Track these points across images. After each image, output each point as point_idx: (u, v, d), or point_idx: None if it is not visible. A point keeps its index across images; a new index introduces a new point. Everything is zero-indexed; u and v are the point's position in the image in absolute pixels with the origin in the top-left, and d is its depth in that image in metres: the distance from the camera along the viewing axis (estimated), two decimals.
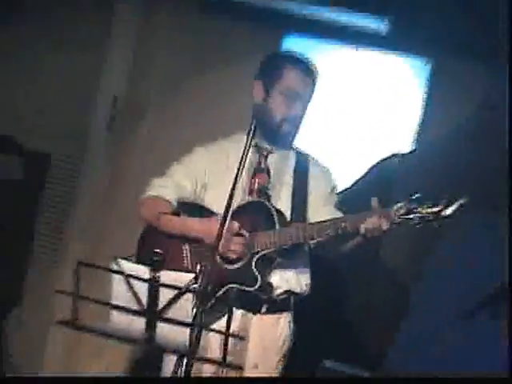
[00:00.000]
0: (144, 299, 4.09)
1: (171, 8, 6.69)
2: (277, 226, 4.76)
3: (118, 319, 4.21)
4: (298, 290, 4.94)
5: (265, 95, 4.91)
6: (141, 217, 5.03)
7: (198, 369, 4.72)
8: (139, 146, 6.73)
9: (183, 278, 4.15)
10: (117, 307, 4.17)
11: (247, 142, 4.55)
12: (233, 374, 4.82)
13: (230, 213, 4.43)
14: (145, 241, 4.95)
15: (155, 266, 4.10)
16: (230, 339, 4.49)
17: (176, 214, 4.95)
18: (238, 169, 4.49)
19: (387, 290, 5.94)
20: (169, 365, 4.70)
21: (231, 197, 4.41)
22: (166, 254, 4.47)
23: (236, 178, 4.47)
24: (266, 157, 4.99)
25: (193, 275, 4.22)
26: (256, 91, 4.95)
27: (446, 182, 5.70)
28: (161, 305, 4.08)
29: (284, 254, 4.81)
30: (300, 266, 4.97)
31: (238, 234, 4.78)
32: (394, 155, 6.14)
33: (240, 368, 4.63)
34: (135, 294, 4.10)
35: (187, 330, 4.07)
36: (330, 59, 6.38)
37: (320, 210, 4.96)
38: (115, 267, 4.15)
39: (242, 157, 4.52)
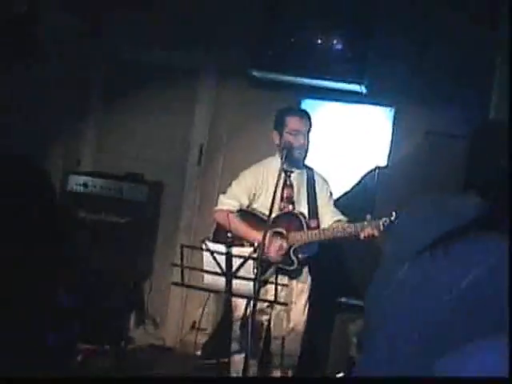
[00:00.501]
0: (223, 265, 4.41)
1: (232, 84, 6.73)
2: (305, 228, 5.02)
3: (208, 279, 4.57)
4: (311, 255, 5.20)
5: (280, 138, 5.10)
6: (216, 221, 5.20)
7: (260, 306, 4.94)
8: (217, 174, 6.77)
9: (246, 251, 4.50)
10: (207, 271, 4.53)
11: (281, 166, 4.90)
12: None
13: (272, 217, 4.78)
14: (217, 229, 5.14)
15: (228, 244, 4.45)
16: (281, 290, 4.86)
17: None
18: (276, 186, 4.82)
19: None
20: (240, 307, 4.97)
21: (272, 206, 4.75)
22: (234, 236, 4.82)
23: (274, 193, 4.82)
24: (290, 176, 5.14)
25: (252, 248, 4.57)
26: (274, 137, 5.14)
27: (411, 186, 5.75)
28: (234, 268, 4.41)
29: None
30: (313, 246, 5.21)
31: (279, 234, 5.05)
32: (377, 167, 6.06)
33: (286, 304, 4.97)
34: (217, 263, 4.40)
35: (251, 283, 4.42)
36: (326, 111, 6.41)
37: (324, 209, 5.16)
38: (204, 246, 4.50)
39: (279, 177, 4.87)
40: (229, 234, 4.60)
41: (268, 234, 4.81)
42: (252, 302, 4.53)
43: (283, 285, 4.87)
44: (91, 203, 6.42)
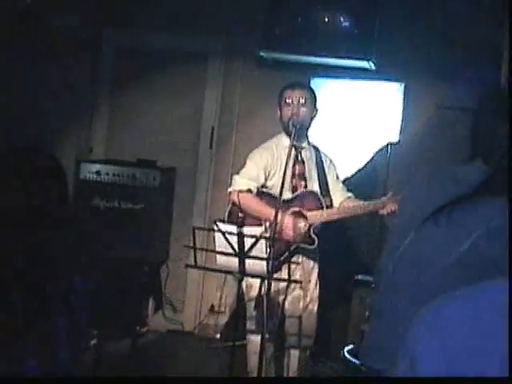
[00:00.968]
0: (235, 246, 4.39)
1: (240, 67, 6.75)
2: (324, 208, 4.98)
3: (221, 260, 4.57)
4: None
5: (280, 112, 5.05)
6: (231, 201, 5.02)
7: (276, 285, 4.93)
8: (229, 156, 6.80)
9: (257, 230, 4.50)
10: (220, 252, 4.51)
11: (291, 142, 4.86)
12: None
13: (291, 196, 4.83)
14: (231, 211, 5.03)
15: (240, 224, 4.44)
16: (295, 269, 4.87)
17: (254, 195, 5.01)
18: (286, 164, 4.81)
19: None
20: (255, 287, 4.91)
21: (283, 181, 4.73)
22: (248, 217, 4.82)
23: (285, 169, 4.80)
24: (301, 152, 5.09)
25: (263, 228, 4.57)
26: (278, 113, 5.09)
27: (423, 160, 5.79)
28: (246, 248, 4.38)
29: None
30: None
31: (297, 212, 4.99)
32: (389, 143, 6.06)
33: (300, 282, 4.97)
34: (229, 243, 4.39)
35: (264, 262, 4.42)
36: (337, 88, 6.37)
37: (334, 187, 5.14)
38: (215, 227, 4.50)
39: (289, 154, 4.84)
40: (240, 214, 4.59)
41: (286, 212, 4.83)
42: (266, 282, 4.54)
43: (297, 263, 4.87)
44: (104, 191, 6.44)
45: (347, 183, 5.40)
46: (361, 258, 6.11)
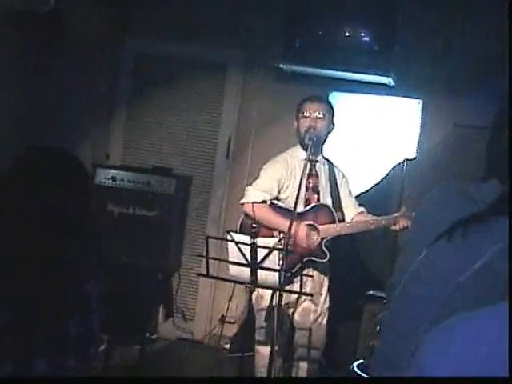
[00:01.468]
0: (248, 256, 4.37)
1: (260, 79, 6.74)
2: (337, 222, 4.96)
3: (233, 270, 4.57)
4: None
5: (297, 124, 5.06)
6: (244, 212, 5.03)
7: (287, 297, 4.90)
8: (245, 167, 6.78)
9: (271, 241, 4.49)
10: (232, 262, 4.51)
11: (308, 155, 4.87)
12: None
13: (305, 209, 4.81)
14: (243, 222, 5.02)
15: (253, 235, 4.43)
16: (306, 281, 4.86)
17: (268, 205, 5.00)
18: (301, 177, 4.81)
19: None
20: (266, 298, 4.89)
21: (298, 194, 4.74)
22: (262, 228, 4.82)
23: (300, 182, 4.80)
24: (315, 165, 5.08)
25: (277, 239, 4.56)
26: (294, 124, 5.10)
27: (439, 177, 5.77)
28: (259, 259, 4.37)
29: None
30: None
31: (310, 226, 4.97)
32: (405, 159, 6.01)
33: (311, 295, 4.94)
34: (242, 254, 4.37)
35: (276, 274, 4.41)
36: (356, 103, 6.37)
37: (347, 201, 5.14)
38: (229, 237, 4.50)
39: (305, 167, 4.85)
40: (254, 225, 4.58)
41: (299, 226, 4.81)
42: (278, 293, 4.53)
43: (309, 276, 4.86)
44: (119, 197, 6.45)
45: (362, 198, 5.42)
46: (373, 273, 6.09)
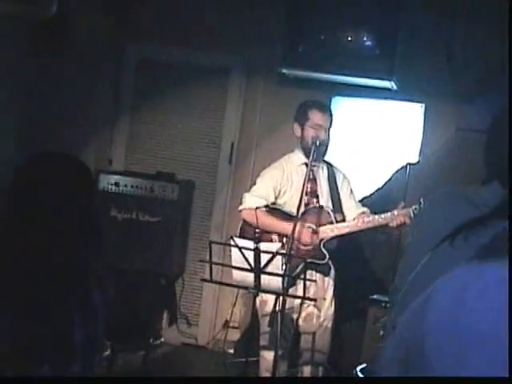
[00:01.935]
0: (251, 261, 4.42)
1: (262, 83, 6.74)
2: (334, 222, 4.99)
3: (237, 276, 4.58)
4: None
5: (301, 131, 5.07)
6: (243, 220, 5.11)
7: (290, 302, 4.92)
8: (248, 172, 6.76)
9: (274, 246, 4.50)
10: (235, 267, 4.54)
11: (310, 161, 4.89)
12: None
13: (300, 211, 4.78)
14: (243, 228, 5.07)
15: (256, 240, 4.45)
16: (310, 286, 4.86)
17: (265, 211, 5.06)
18: (304, 182, 4.82)
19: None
20: (269, 303, 4.87)
21: (301, 199, 4.77)
22: (263, 234, 4.83)
23: (303, 187, 4.82)
24: (312, 170, 5.09)
25: (280, 244, 4.57)
26: (295, 130, 5.12)
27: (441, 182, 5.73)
28: (262, 264, 4.41)
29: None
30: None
31: (310, 228, 5.00)
32: (408, 164, 6.01)
33: (315, 300, 4.96)
34: (246, 259, 4.42)
35: (280, 278, 4.42)
36: (358, 107, 6.37)
37: (347, 203, 5.15)
38: (232, 242, 4.51)
39: (307, 171, 4.88)
40: (257, 230, 4.60)
41: (298, 228, 4.81)
42: (281, 298, 4.54)
43: (311, 280, 4.86)
44: (122, 202, 6.45)
45: (365, 202, 5.42)
46: (376, 277, 6.09)
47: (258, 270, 4.41)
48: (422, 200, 4.62)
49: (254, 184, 5.21)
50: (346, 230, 4.99)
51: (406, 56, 6.06)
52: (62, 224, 2.39)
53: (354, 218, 5.12)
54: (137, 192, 6.46)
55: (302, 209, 4.95)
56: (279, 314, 4.59)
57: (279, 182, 5.10)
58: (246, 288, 4.59)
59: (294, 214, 4.77)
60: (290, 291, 4.73)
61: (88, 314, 2.39)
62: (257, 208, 5.00)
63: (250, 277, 4.47)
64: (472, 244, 1.80)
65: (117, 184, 6.46)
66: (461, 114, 6.06)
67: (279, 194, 5.10)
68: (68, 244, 2.38)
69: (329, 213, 5.03)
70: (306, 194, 5.07)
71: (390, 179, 6.23)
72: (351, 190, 5.29)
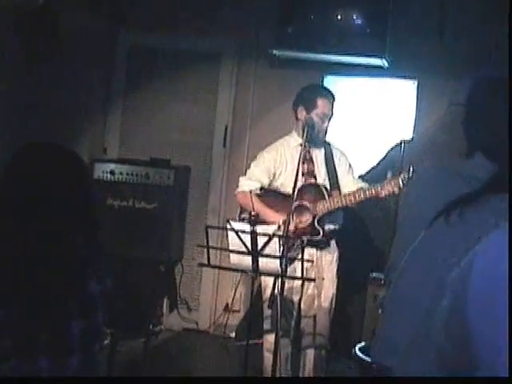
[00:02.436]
0: (248, 244, 4.40)
1: (254, 66, 6.74)
2: (326, 198, 5.00)
3: (234, 259, 4.58)
4: (337, 227, 5.18)
5: (306, 116, 5.08)
6: (238, 202, 5.23)
7: (290, 285, 4.98)
8: (242, 155, 6.80)
9: (271, 229, 4.50)
10: (233, 251, 4.53)
11: (303, 142, 4.89)
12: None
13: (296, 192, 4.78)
14: (241, 212, 5.15)
15: (252, 223, 4.45)
16: (309, 265, 4.88)
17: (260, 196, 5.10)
18: (298, 161, 4.83)
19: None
20: (269, 285, 4.90)
21: (296, 180, 4.75)
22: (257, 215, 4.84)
23: (298, 168, 4.81)
24: (309, 151, 5.14)
25: (276, 226, 4.57)
26: (300, 113, 5.10)
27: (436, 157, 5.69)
28: (259, 246, 4.39)
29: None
30: (337, 214, 5.16)
31: (303, 206, 5.03)
32: (402, 141, 5.89)
33: (313, 280, 4.97)
34: (243, 242, 4.40)
35: (277, 261, 4.42)
36: (351, 86, 6.38)
37: (345, 179, 5.16)
38: (228, 226, 4.51)
39: (301, 152, 4.88)
40: (253, 213, 4.60)
41: (293, 208, 4.83)
42: (280, 280, 4.54)
43: (309, 261, 4.86)
44: (118, 190, 6.45)
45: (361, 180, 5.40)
46: (375, 255, 6.10)
47: (255, 252, 4.40)
48: (411, 167, 4.65)
49: (249, 167, 5.26)
50: (338, 204, 5.00)
51: (397, 33, 6.04)
52: (57, 214, 2.38)
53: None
54: (132, 179, 6.46)
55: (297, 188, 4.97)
56: (278, 295, 4.56)
57: (273, 164, 5.15)
58: (244, 271, 4.59)
59: (286, 191, 4.85)
60: (289, 272, 4.73)
61: (86, 303, 2.39)
62: (251, 192, 5.03)
63: (247, 260, 4.47)
64: (467, 220, 1.80)
65: (112, 172, 6.45)
66: (454, 89, 6.03)
67: (274, 176, 5.15)
68: (64, 234, 2.38)
69: (321, 189, 5.05)
70: (303, 175, 5.10)
71: (384, 157, 6.23)
72: (349, 166, 5.31)
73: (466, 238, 1.72)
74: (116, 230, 6.25)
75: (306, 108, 5.11)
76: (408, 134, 6.18)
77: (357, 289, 5.79)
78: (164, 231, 6.46)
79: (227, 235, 4.53)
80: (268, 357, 5.01)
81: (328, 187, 5.11)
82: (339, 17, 6.03)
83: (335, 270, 5.22)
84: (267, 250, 4.40)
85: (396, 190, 4.77)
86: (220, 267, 5.18)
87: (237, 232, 4.41)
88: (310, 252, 5.04)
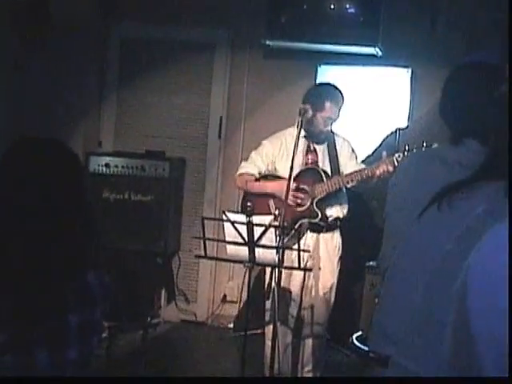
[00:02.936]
0: (245, 235, 4.42)
1: (247, 57, 6.75)
2: (324, 180, 5.04)
3: (231, 250, 4.60)
4: (341, 216, 5.20)
5: (312, 115, 5.04)
6: (237, 186, 5.33)
7: (288, 276, 5.00)
8: (237, 146, 6.80)
9: (267, 219, 4.51)
10: (229, 242, 4.54)
11: (298, 133, 4.90)
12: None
13: (293, 175, 4.81)
14: (244, 200, 5.15)
15: (248, 213, 4.46)
16: (307, 255, 4.89)
17: (257, 180, 5.17)
18: (294, 147, 4.84)
19: None
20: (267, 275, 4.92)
21: (291, 166, 4.78)
22: (257, 206, 4.85)
23: (293, 154, 4.83)
24: (313, 142, 5.21)
25: (272, 216, 4.58)
26: (306, 111, 5.03)
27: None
28: (255, 237, 4.41)
29: (331, 195, 5.08)
30: (342, 201, 5.19)
31: (301, 189, 5.07)
32: (397, 129, 6.03)
33: (310, 270, 4.98)
34: (239, 233, 4.42)
35: (274, 251, 4.44)
36: (345, 75, 6.34)
37: (348, 165, 5.16)
38: (224, 217, 4.52)
39: (295, 141, 4.90)
40: (249, 204, 4.62)
41: (291, 191, 4.88)
42: (276, 270, 4.56)
43: (305, 250, 4.86)
44: (114, 183, 6.46)
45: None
46: (375, 244, 6.10)
47: (251, 243, 4.42)
48: (406, 146, 4.66)
49: (250, 154, 5.34)
50: (336, 186, 5.02)
51: (390, 21, 6.05)
52: (52, 208, 2.38)
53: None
54: (128, 172, 6.47)
55: (294, 173, 4.99)
56: (275, 286, 4.60)
57: (272, 152, 5.20)
58: (240, 262, 4.60)
59: (284, 175, 4.89)
60: (286, 261, 4.74)
61: (84, 297, 2.39)
62: (248, 173, 5.17)
63: (244, 251, 4.48)
64: (459, 207, 1.80)
65: (107, 165, 6.46)
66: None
67: (273, 165, 5.20)
68: (61, 228, 2.38)
69: (319, 172, 5.08)
70: (307, 165, 5.17)
71: (379, 145, 6.22)
72: (352, 151, 5.32)
73: (458, 225, 1.72)
74: (112, 222, 6.28)
75: (313, 108, 5.09)
76: (403, 122, 6.22)
77: (354, 278, 5.79)
78: (160, 223, 6.47)
79: (223, 226, 4.54)
80: (269, 345, 5.01)
81: (329, 173, 5.13)
82: (332, 6, 6.03)
83: (337, 259, 5.23)
84: (264, 241, 4.41)
85: (391, 168, 4.76)
86: (217, 258, 5.19)
87: (233, 223, 4.42)
88: (307, 242, 5.07)
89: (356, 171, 4.99)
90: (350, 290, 6.06)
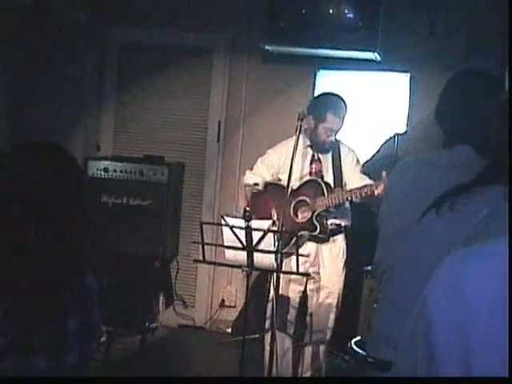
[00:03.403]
0: (243, 240, 4.42)
1: (246, 61, 6.74)
2: (325, 194, 4.99)
3: (230, 255, 4.59)
4: (343, 225, 5.20)
5: (314, 127, 5.07)
6: (239, 200, 5.37)
7: (285, 279, 4.93)
8: (236, 150, 6.79)
9: (265, 224, 4.51)
10: (227, 247, 4.54)
11: (297, 137, 4.89)
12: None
13: (296, 186, 4.86)
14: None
15: (247, 218, 4.46)
16: (308, 262, 4.88)
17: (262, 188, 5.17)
18: (293, 151, 4.82)
19: None
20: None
21: (290, 174, 4.77)
22: (259, 211, 4.85)
23: (291, 166, 4.81)
24: (317, 151, 5.22)
25: (271, 221, 4.58)
26: (309, 123, 5.07)
27: (430, 151, 5.79)
28: (254, 242, 4.41)
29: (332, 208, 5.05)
30: (344, 214, 5.18)
31: (302, 201, 5.04)
32: (396, 134, 6.05)
33: (308, 275, 4.98)
34: (237, 237, 4.41)
35: (273, 256, 4.43)
36: (343, 80, 6.35)
37: (351, 176, 5.16)
38: (223, 222, 4.52)
39: (293, 152, 4.87)
40: (247, 208, 4.61)
41: (291, 204, 4.91)
42: (275, 275, 4.56)
43: (303, 255, 4.86)
44: (113, 188, 6.46)
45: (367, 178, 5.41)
46: (370, 248, 6.10)
47: (250, 248, 4.41)
48: None
49: (255, 164, 5.36)
50: (336, 201, 5.00)
51: (388, 26, 6.05)
52: (51, 213, 2.39)
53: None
54: (126, 176, 6.47)
55: (297, 184, 5.02)
56: (273, 291, 4.62)
57: (277, 162, 5.21)
58: (239, 267, 4.59)
59: (290, 189, 4.83)
60: (286, 267, 4.75)
61: (82, 301, 2.39)
62: (255, 184, 5.16)
63: (242, 255, 4.48)
64: (461, 211, 1.80)
65: (106, 170, 6.46)
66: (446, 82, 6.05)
67: (279, 173, 5.21)
68: (59, 232, 2.38)
69: (321, 186, 5.05)
70: (311, 175, 5.17)
71: (378, 150, 6.25)
72: (356, 161, 5.31)
73: (463, 229, 1.72)
74: (111, 227, 6.28)
75: (315, 119, 5.10)
76: (401, 127, 6.22)
77: (353, 282, 5.79)
78: (159, 228, 6.46)
79: (222, 231, 4.54)
80: (268, 350, 5.02)
81: (332, 184, 5.12)
82: (331, 11, 6.03)
83: (342, 263, 5.24)
84: (262, 246, 4.41)
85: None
86: (215, 263, 5.18)
87: (231, 227, 4.42)
88: (309, 249, 5.07)
89: (356, 188, 4.97)
90: (349, 294, 6.05)
